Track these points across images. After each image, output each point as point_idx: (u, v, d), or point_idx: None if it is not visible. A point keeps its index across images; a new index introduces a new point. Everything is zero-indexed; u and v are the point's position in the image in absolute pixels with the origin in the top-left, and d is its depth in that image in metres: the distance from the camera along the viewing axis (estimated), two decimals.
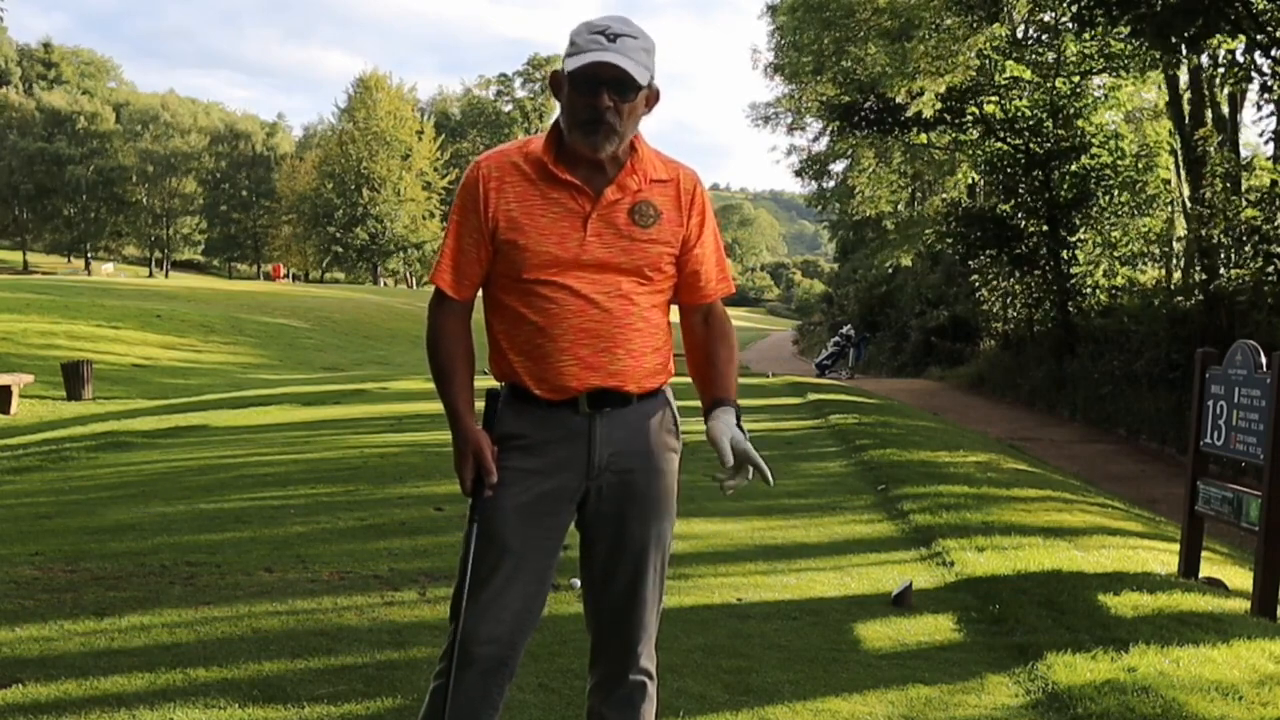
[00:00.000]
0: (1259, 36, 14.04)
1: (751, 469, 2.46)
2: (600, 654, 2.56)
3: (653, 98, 2.43)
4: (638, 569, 2.50)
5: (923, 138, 23.84)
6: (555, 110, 2.48)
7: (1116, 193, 20.47)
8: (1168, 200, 21.65)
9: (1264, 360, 5.25)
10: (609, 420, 2.44)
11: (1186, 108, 19.82)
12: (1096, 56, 19.87)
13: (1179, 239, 21.73)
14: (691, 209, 2.51)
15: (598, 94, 2.31)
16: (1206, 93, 19.56)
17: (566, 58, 2.34)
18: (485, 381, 2.49)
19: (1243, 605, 5.16)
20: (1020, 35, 22.50)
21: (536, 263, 2.39)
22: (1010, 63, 20.71)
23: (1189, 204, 19.85)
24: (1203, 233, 16.81)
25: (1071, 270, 20.88)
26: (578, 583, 4.05)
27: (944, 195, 27.69)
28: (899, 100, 21.58)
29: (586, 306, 2.40)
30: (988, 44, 20.60)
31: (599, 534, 2.50)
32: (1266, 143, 18.27)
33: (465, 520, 2.48)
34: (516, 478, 2.42)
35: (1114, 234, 20.90)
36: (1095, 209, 20.62)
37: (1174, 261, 22.84)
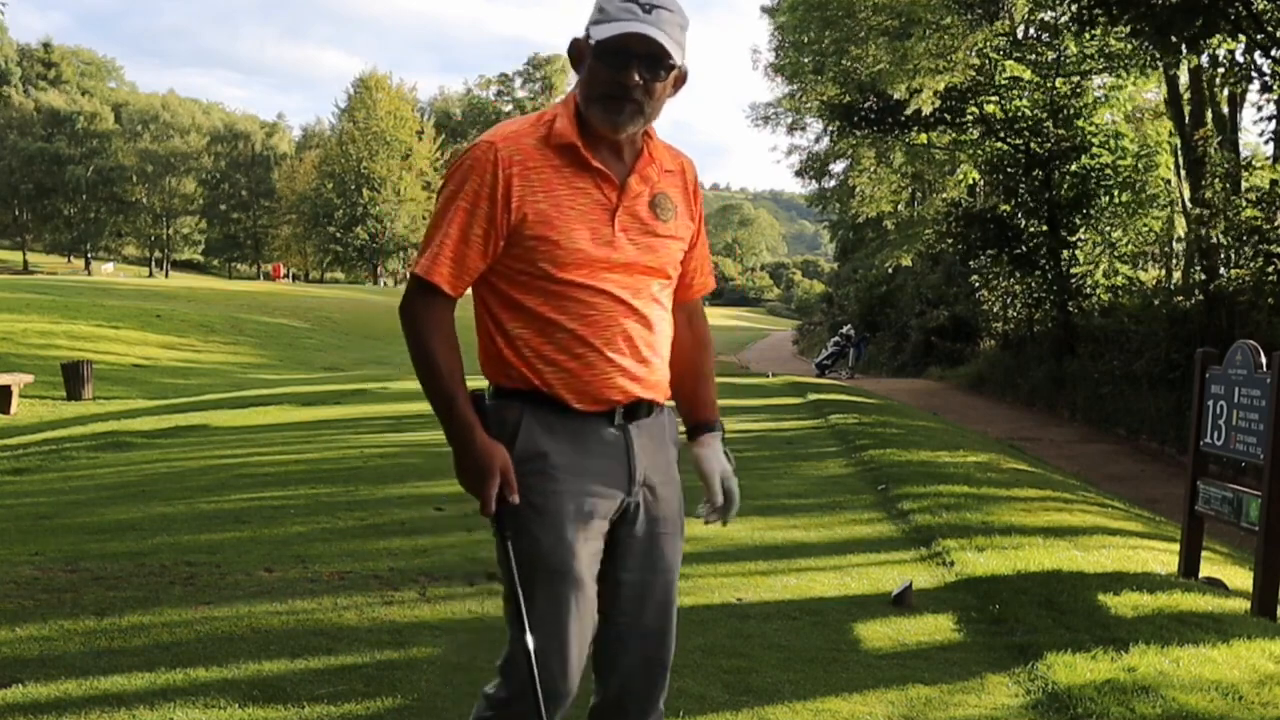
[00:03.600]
0: (1259, 36, 14.04)
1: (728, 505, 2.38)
2: (616, 704, 2.29)
3: (681, 79, 2.19)
4: (667, 593, 2.28)
5: (923, 138, 23.83)
6: None
7: (1117, 193, 20.48)
8: (1168, 200, 21.65)
9: (1264, 360, 5.25)
10: (640, 431, 2.23)
11: (1186, 108, 19.83)
12: (1096, 56, 19.88)
13: (1179, 239, 21.74)
14: (695, 201, 2.33)
15: (627, 69, 2.07)
16: (1206, 93, 19.57)
17: (593, 25, 2.10)
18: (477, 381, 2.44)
19: (1243, 605, 5.16)
20: (1020, 35, 22.49)
21: (569, 261, 2.12)
22: (1010, 62, 20.71)
23: (1189, 204, 19.86)
24: (1203, 233, 16.82)
25: (1072, 270, 20.88)
26: None
27: (944, 195, 27.64)
28: (899, 97, 21.58)
29: (627, 312, 2.17)
30: (987, 43, 20.60)
31: (630, 558, 2.25)
32: (1266, 143, 18.29)
33: (496, 536, 2.17)
34: (565, 501, 2.15)
35: (1114, 234, 20.91)
36: (1095, 209, 20.62)
37: (1174, 261, 22.87)
